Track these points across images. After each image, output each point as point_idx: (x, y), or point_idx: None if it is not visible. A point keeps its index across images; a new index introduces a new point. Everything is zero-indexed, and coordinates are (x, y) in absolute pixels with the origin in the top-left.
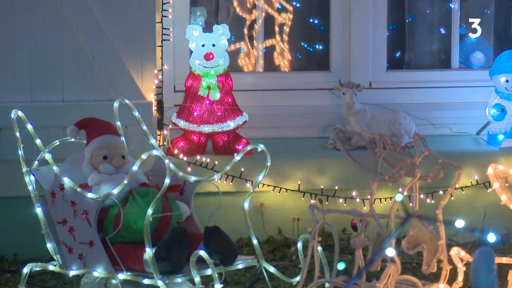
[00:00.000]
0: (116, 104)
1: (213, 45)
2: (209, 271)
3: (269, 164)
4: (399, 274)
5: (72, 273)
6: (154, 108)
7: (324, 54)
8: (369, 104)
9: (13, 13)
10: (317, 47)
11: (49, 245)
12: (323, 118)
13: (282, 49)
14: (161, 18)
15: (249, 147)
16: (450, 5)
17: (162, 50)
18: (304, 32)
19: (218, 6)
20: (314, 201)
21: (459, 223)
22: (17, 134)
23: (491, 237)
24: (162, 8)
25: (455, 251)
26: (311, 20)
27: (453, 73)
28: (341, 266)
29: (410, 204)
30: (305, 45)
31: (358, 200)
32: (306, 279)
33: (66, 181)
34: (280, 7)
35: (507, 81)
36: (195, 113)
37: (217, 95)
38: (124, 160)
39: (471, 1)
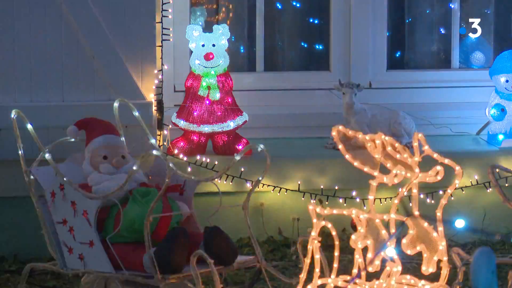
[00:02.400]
0: (116, 104)
1: (213, 45)
2: (209, 271)
3: (269, 164)
4: (399, 274)
5: (72, 273)
6: (154, 108)
7: (324, 54)
8: (369, 104)
9: (13, 13)
10: (317, 47)
11: (49, 245)
12: (323, 118)
13: (282, 49)
14: (161, 18)
15: (249, 147)
16: (450, 5)
17: (162, 50)
18: (304, 32)
19: (218, 6)
20: (314, 201)
21: (459, 223)
22: (17, 134)
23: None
24: (162, 8)
25: (455, 251)
26: (311, 20)
27: (453, 73)
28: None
29: (410, 204)
30: (305, 45)
31: (358, 200)
32: (306, 279)
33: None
34: (280, 7)
35: (507, 81)
36: (195, 113)
37: (217, 95)
38: (124, 160)
39: (471, 1)
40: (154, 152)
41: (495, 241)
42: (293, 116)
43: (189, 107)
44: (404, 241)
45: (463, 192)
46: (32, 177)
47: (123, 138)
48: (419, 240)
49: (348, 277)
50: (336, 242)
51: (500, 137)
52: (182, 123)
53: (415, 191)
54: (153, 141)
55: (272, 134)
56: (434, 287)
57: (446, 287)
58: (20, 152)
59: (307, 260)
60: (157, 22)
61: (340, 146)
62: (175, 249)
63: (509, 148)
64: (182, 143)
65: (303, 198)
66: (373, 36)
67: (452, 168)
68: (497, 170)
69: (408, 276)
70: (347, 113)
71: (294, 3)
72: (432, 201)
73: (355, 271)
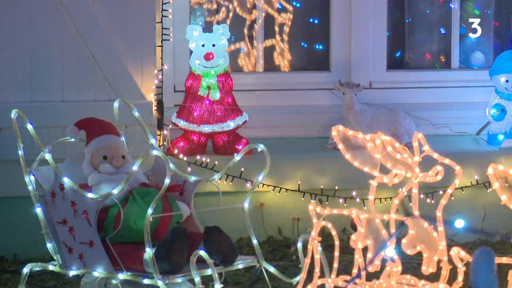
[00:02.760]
0: (116, 104)
1: (213, 45)
2: (209, 271)
3: (269, 164)
4: (399, 274)
5: (72, 273)
6: (154, 108)
7: (324, 54)
8: (369, 104)
9: (13, 13)
10: (317, 47)
11: (49, 245)
12: (323, 118)
13: (282, 49)
14: (161, 18)
15: (249, 147)
16: (450, 5)
17: (162, 50)
18: (304, 32)
19: (218, 6)
20: (314, 201)
21: (459, 223)
22: (17, 134)
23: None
24: (162, 8)
25: (455, 251)
26: (311, 20)
27: (453, 73)
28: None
29: (410, 204)
30: (305, 45)
31: (358, 200)
32: (306, 279)
33: (66, 181)
34: (280, 7)
35: (507, 81)
36: (195, 113)
37: (217, 95)
38: (124, 160)
39: (471, 1)
40: (154, 152)
41: (495, 241)
42: (293, 116)
43: (189, 107)
44: (404, 241)
45: (463, 192)
46: (32, 177)
47: (123, 138)
48: (419, 240)
49: (348, 277)
50: (336, 242)
51: (500, 137)
52: (182, 123)
53: (415, 191)
54: (153, 141)
55: (272, 134)
56: (434, 287)
57: (447, 287)
58: (20, 152)
59: (307, 260)
60: (157, 22)
61: (340, 146)
62: (175, 249)
63: (509, 148)
64: (182, 143)
65: (303, 198)
66: (373, 36)
67: (452, 168)
68: (497, 169)
69: (408, 276)
70: (347, 113)
71: (294, 3)
72: (432, 201)
73: (355, 271)
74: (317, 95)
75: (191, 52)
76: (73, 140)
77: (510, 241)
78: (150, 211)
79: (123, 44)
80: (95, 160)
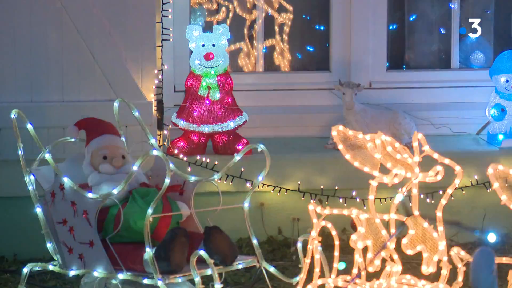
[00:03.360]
0: (116, 104)
1: (213, 45)
2: (209, 271)
3: (269, 164)
4: (399, 274)
5: (72, 273)
6: (154, 108)
7: (324, 54)
8: (369, 104)
9: (13, 13)
10: (317, 47)
11: (49, 245)
12: (323, 118)
13: (282, 49)
14: (161, 18)
15: (249, 147)
16: (450, 5)
17: (162, 50)
18: (304, 32)
19: (218, 6)
20: (314, 201)
21: (492, 237)
22: (17, 134)
23: (491, 237)
24: (162, 8)
25: (455, 251)
26: (311, 20)
27: (453, 73)
28: (341, 266)
29: (410, 204)
30: (305, 45)
31: (358, 200)
32: (306, 279)
33: (66, 181)
34: (280, 7)
35: (507, 81)
36: (195, 113)
37: (217, 95)
38: (124, 160)
39: (471, 1)
40: (154, 152)
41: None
42: (293, 116)
43: (189, 107)
44: (404, 241)
45: (463, 192)
46: (32, 177)
47: (123, 138)
48: (419, 240)
49: (348, 277)
50: (336, 242)
51: (500, 137)
52: (182, 123)
53: (415, 191)
54: (153, 141)
55: (272, 134)
56: (434, 287)
57: (447, 287)
58: (20, 152)
59: (307, 260)
60: (157, 22)
61: (340, 146)
62: (175, 249)
63: (509, 148)
64: (182, 143)
65: (303, 198)
66: (373, 36)
67: (452, 168)
68: (497, 169)
69: (408, 276)
70: (347, 113)
71: (294, 4)
72: (432, 201)
73: (355, 271)
74: (317, 95)
75: (191, 52)
76: (73, 140)
77: (510, 241)
78: (150, 211)
79: (123, 44)
80: (95, 160)
